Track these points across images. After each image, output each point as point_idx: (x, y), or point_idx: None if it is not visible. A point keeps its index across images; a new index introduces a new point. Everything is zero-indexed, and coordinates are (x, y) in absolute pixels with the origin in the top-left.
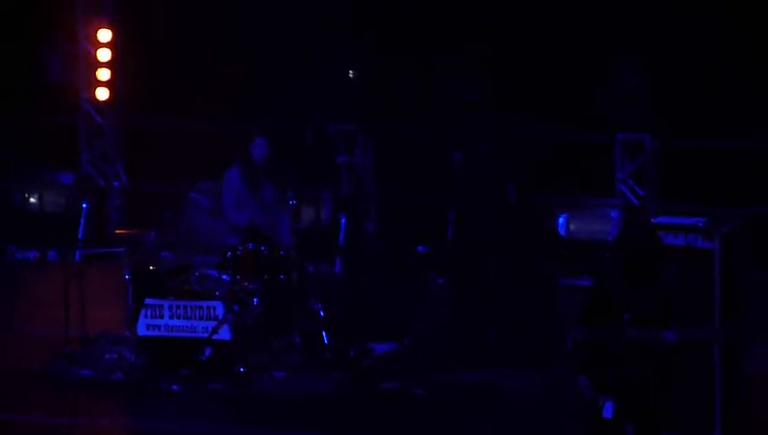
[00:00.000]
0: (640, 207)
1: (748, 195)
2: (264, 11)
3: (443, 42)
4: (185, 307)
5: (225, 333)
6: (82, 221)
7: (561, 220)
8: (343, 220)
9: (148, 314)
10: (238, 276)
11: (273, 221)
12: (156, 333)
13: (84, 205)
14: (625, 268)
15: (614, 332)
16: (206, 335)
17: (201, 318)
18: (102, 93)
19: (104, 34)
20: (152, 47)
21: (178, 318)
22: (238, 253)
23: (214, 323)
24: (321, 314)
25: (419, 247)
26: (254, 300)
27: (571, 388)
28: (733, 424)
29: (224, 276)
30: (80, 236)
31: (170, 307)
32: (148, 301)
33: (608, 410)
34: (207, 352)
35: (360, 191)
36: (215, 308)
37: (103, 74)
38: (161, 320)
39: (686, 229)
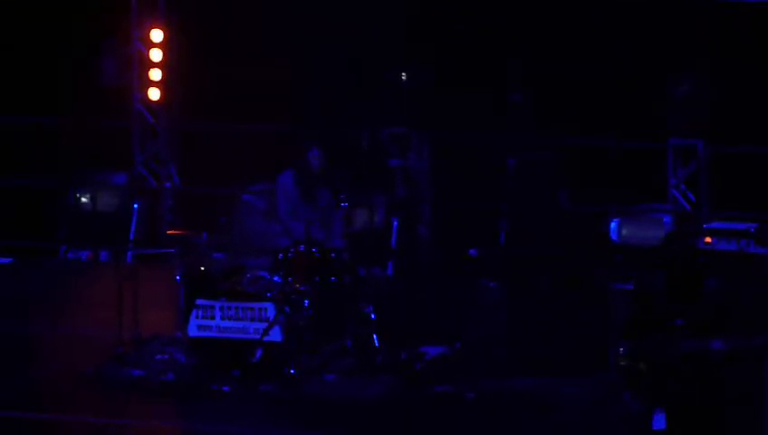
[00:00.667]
0: (684, 219)
1: None
2: (318, 13)
3: (494, 45)
4: (236, 308)
5: (276, 335)
6: (134, 222)
7: (612, 225)
8: (396, 223)
9: (200, 314)
10: (290, 278)
11: (328, 225)
12: (207, 333)
13: (136, 205)
14: (667, 280)
15: (661, 344)
16: (257, 337)
17: (252, 319)
18: (155, 94)
19: (157, 35)
20: (205, 47)
21: (230, 319)
22: (290, 255)
23: (265, 325)
24: (373, 316)
25: (471, 251)
26: (306, 302)
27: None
28: None
29: (275, 278)
30: (131, 236)
31: (222, 308)
32: (199, 302)
33: (659, 422)
34: (258, 353)
35: (414, 194)
36: (266, 309)
37: (156, 75)
38: (212, 321)
39: (737, 234)
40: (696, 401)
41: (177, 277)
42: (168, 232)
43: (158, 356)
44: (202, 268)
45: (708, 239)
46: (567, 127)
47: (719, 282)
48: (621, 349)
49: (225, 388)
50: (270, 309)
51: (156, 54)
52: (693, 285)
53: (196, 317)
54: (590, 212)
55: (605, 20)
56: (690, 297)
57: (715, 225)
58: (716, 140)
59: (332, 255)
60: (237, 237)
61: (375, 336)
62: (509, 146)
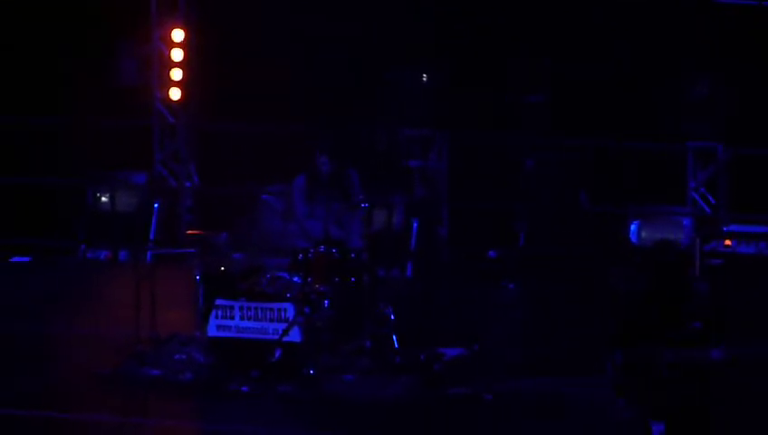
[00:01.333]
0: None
1: None
2: (339, 14)
3: (515, 47)
4: (255, 308)
5: (295, 335)
6: (154, 221)
7: (632, 227)
8: (415, 224)
9: (219, 314)
10: (309, 278)
11: (343, 227)
12: (226, 333)
13: (156, 205)
14: (653, 285)
15: (654, 353)
16: (276, 337)
17: (271, 320)
18: (175, 93)
19: (178, 34)
20: (225, 47)
21: (249, 319)
22: (309, 255)
23: (284, 325)
24: (392, 317)
25: (490, 252)
26: (325, 302)
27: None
28: None
29: (295, 278)
30: (151, 236)
31: (241, 308)
32: (218, 302)
33: (657, 432)
34: (277, 353)
35: (433, 195)
36: (285, 310)
37: (176, 74)
38: (232, 321)
39: (757, 237)
40: (692, 410)
41: (197, 277)
42: (188, 232)
43: (177, 356)
44: (222, 268)
45: (728, 242)
46: (587, 128)
47: (710, 287)
48: (614, 359)
49: (244, 388)
50: (289, 309)
51: (177, 54)
52: (679, 291)
53: (216, 317)
54: (609, 213)
55: (617, 21)
56: (677, 302)
57: (734, 227)
58: (736, 143)
59: (352, 255)
60: (256, 237)
61: (394, 337)
62: (528, 146)
